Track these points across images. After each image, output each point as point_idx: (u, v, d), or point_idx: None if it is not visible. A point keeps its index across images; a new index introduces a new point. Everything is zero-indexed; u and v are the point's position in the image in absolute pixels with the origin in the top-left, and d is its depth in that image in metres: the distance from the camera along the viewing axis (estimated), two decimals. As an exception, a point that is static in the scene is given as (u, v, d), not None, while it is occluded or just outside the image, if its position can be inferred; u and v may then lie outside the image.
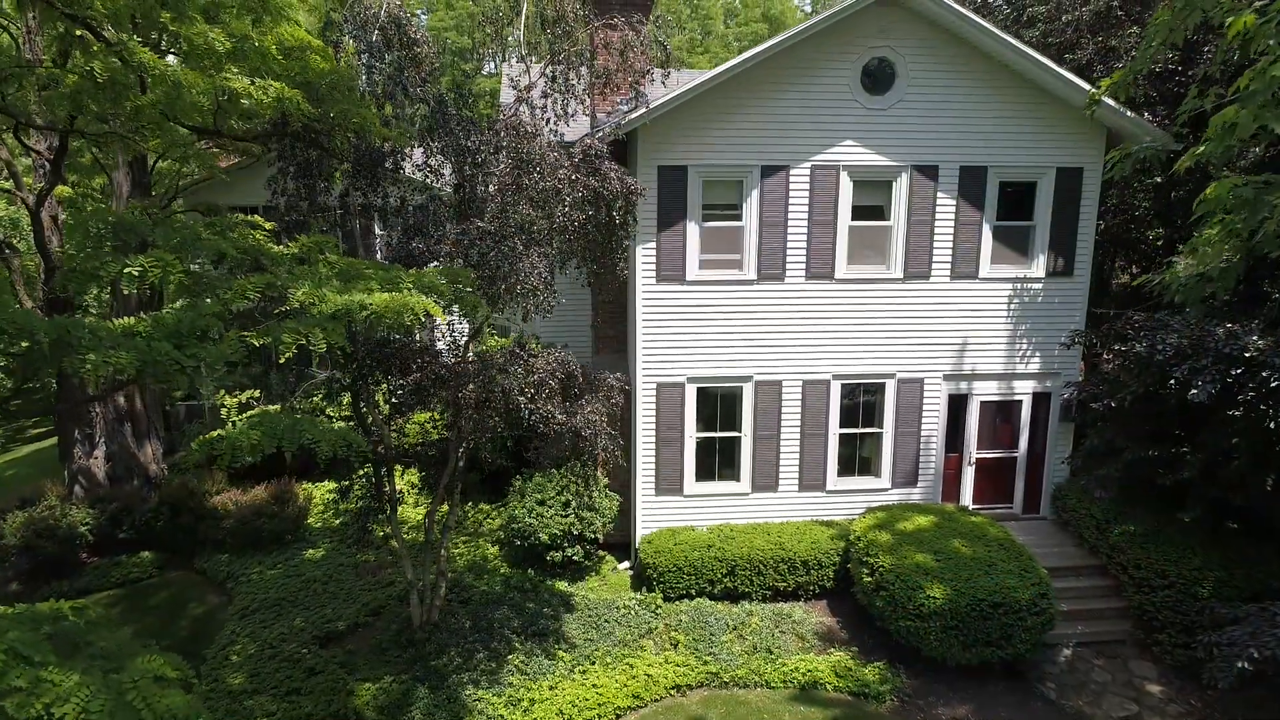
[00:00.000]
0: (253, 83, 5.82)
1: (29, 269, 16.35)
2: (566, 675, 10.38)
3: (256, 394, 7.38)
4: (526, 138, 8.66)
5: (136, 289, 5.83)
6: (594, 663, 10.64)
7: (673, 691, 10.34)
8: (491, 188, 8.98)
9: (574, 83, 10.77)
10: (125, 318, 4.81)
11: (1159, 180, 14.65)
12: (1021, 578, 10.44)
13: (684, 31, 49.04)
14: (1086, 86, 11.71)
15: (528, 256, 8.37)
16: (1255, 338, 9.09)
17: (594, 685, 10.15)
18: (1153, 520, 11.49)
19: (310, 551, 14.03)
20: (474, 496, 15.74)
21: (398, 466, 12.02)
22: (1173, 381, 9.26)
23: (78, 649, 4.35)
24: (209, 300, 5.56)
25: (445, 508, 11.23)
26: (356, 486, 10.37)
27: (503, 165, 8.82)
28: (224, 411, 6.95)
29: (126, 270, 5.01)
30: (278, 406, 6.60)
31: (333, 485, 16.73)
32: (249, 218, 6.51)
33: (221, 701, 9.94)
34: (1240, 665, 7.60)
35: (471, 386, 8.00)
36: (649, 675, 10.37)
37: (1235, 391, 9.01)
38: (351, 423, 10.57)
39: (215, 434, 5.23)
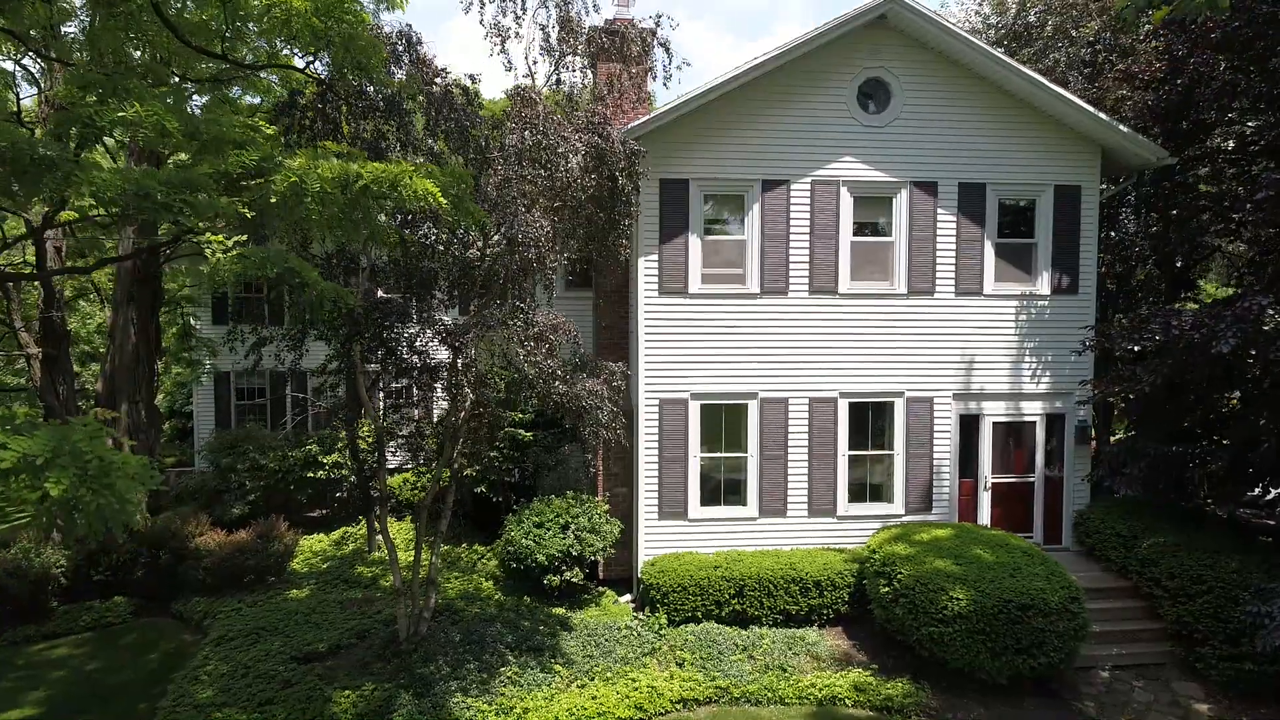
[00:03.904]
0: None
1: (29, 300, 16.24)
2: (564, 689, 9.57)
3: (244, 237, 7.09)
4: (530, 103, 8.75)
5: (131, 136, 5.71)
6: (593, 678, 9.83)
7: (678, 706, 9.50)
8: (498, 165, 9.00)
9: (576, 94, 11.03)
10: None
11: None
12: (1049, 580, 9.80)
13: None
14: (1077, 100, 12.01)
15: (529, 214, 8.29)
16: (1269, 306, 8.91)
17: (593, 696, 9.34)
18: (1180, 533, 10.94)
19: (294, 591, 13.25)
20: (468, 537, 15.06)
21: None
22: (1196, 337, 8.94)
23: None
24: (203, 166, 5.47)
25: (437, 544, 10.68)
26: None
27: (509, 139, 8.87)
28: (209, 251, 6.65)
29: (120, 115, 4.91)
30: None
31: (320, 536, 16.08)
32: (250, 120, 6.48)
33: (186, 714, 9.11)
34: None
35: (470, 335, 7.72)
36: (653, 688, 9.56)
37: (1259, 354, 8.74)
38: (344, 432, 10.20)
39: (199, 268, 4.98)
